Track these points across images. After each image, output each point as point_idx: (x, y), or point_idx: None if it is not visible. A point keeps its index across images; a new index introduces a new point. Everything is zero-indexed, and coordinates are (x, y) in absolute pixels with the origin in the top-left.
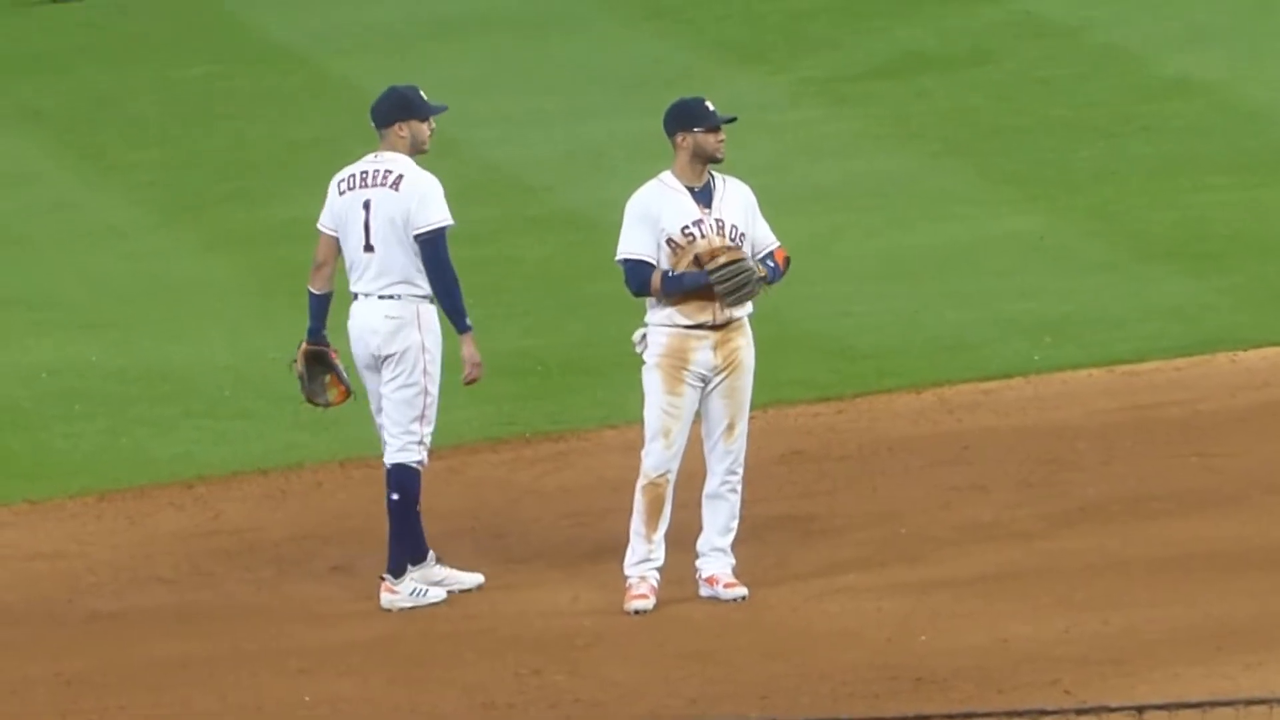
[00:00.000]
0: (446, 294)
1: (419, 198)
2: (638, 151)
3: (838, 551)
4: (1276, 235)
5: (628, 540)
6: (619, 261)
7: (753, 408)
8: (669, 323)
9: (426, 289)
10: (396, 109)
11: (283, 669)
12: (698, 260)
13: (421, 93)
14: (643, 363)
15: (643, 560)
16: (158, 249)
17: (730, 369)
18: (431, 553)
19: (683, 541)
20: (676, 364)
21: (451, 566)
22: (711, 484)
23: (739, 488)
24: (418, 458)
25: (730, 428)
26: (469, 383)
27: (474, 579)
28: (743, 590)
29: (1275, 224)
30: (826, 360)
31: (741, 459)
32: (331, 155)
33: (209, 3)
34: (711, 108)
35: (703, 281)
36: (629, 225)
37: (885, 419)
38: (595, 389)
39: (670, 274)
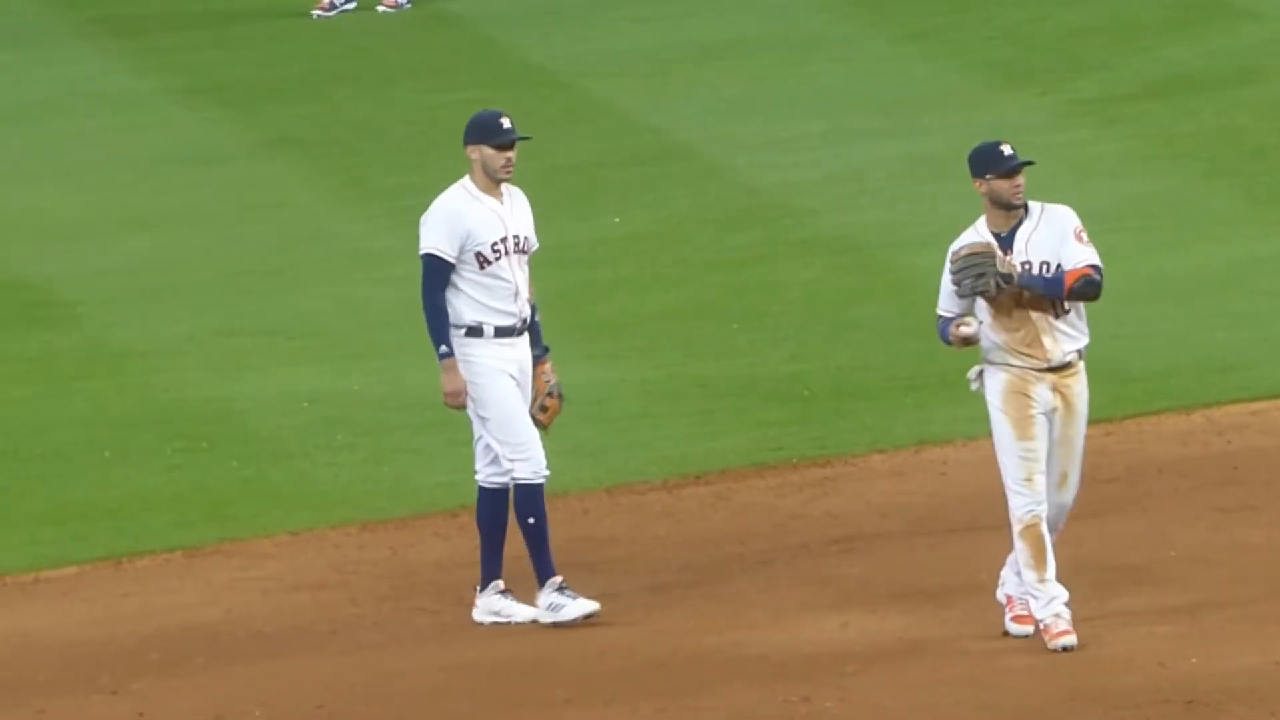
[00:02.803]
0: (427, 322)
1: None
2: (902, 174)
3: (1108, 575)
4: None
5: (1026, 591)
6: None
7: None
8: (1002, 362)
9: (464, 319)
10: (468, 132)
11: (550, 699)
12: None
13: (504, 119)
14: (984, 400)
15: (1050, 601)
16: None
17: (1066, 413)
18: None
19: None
20: (1023, 404)
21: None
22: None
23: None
24: (516, 474)
25: (1064, 477)
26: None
27: (531, 612)
28: (1030, 628)
29: None
30: (1097, 382)
31: (1067, 510)
32: (591, 181)
33: (468, 28)
34: (1008, 152)
35: (945, 332)
36: (944, 280)
37: (1154, 441)
38: (862, 414)
39: (943, 322)
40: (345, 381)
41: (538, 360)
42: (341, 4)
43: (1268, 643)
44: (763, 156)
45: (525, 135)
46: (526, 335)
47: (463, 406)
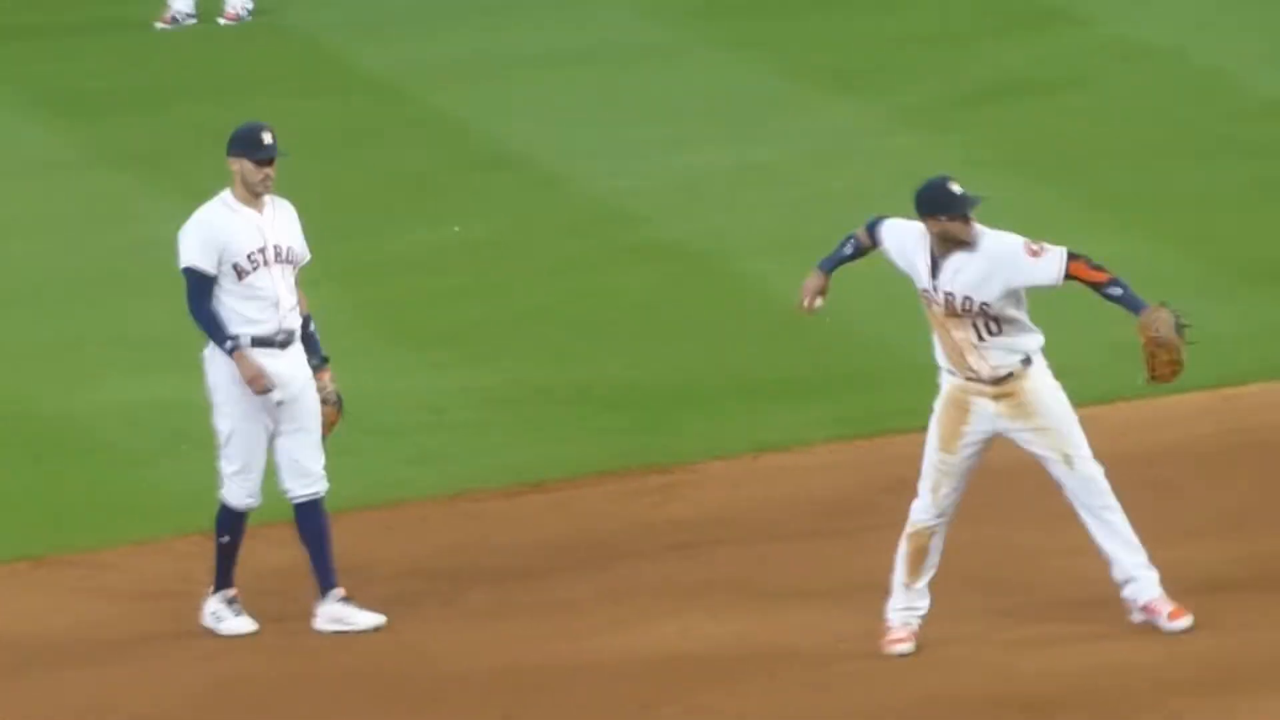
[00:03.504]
0: (204, 332)
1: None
2: (735, 181)
3: (942, 581)
4: None
5: (890, 588)
6: None
7: (861, 436)
8: (945, 365)
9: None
10: (229, 144)
11: (391, 710)
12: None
13: (266, 134)
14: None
15: (905, 608)
16: None
17: (1023, 416)
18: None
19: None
20: (957, 418)
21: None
22: (1086, 519)
23: (1112, 506)
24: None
25: (1066, 460)
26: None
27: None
28: (1188, 620)
29: None
30: (934, 389)
31: (1098, 483)
32: (430, 188)
33: (308, 39)
34: (958, 191)
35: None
36: None
37: (995, 445)
38: (701, 420)
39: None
40: (188, 392)
41: (316, 370)
42: (184, 18)
43: (1103, 646)
44: (597, 164)
45: (284, 152)
46: (297, 348)
47: (268, 389)
